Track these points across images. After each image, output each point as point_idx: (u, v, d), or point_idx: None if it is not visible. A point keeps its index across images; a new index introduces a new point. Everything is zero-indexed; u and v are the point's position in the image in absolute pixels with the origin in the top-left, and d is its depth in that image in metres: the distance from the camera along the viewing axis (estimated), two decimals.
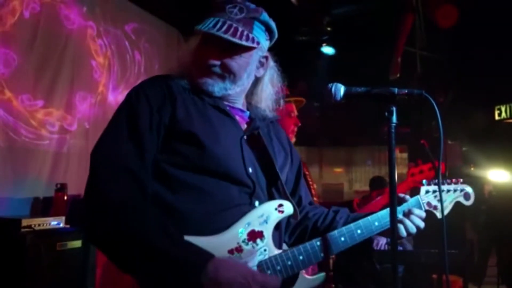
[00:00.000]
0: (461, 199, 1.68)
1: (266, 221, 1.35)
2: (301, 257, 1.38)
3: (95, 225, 1.28)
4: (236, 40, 1.38)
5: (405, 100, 1.29)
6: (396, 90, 1.27)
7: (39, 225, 2.86)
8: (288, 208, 1.41)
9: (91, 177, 1.35)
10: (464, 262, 4.90)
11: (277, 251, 1.36)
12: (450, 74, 5.69)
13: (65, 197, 3.30)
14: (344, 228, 1.48)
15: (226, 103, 1.48)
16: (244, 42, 1.39)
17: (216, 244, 1.26)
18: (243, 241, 1.30)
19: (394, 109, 1.25)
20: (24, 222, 2.78)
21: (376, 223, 1.51)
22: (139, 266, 1.22)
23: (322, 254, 1.42)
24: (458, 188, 1.69)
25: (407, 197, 1.60)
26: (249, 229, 1.32)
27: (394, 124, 1.24)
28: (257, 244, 1.32)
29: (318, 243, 1.42)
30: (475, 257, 6.00)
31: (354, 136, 6.89)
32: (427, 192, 1.63)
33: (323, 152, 8.09)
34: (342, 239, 1.46)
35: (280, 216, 1.39)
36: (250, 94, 1.57)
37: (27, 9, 3.38)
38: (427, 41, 5.10)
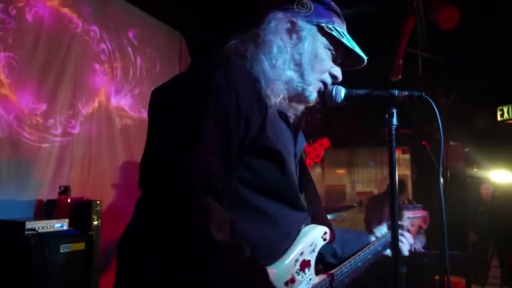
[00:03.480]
0: (422, 224, 1.87)
1: (314, 250, 1.34)
2: (334, 284, 1.39)
3: (187, 263, 1.00)
4: (365, 61, 1.38)
5: (406, 102, 1.30)
6: (396, 92, 1.27)
7: (42, 227, 2.87)
8: (329, 235, 1.40)
9: (186, 197, 1.02)
10: (467, 263, 4.90)
11: (316, 279, 1.34)
12: (452, 75, 5.69)
13: (69, 200, 3.31)
14: (361, 253, 1.52)
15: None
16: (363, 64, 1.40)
17: (274, 276, 1.19)
18: (296, 272, 1.27)
19: (394, 111, 1.25)
20: (28, 225, 2.80)
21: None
22: None
23: (346, 280, 1.44)
24: (422, 215, 1.87)
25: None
26: (302, 258, 1.29)
27: (394, 126, 1.25)
28: (305, 274, 1.29)
29: (346, 269, 1.43)
30: (478, 258, 5.98)
31: (356, 137, 6.89)
32: (408, 218, 1.81)
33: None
34: (360, 264, 1.50)
35: (323, 243, 1.38)
36: None
37: (30, 13, 3.40)
38: (429, 42, 5.11)
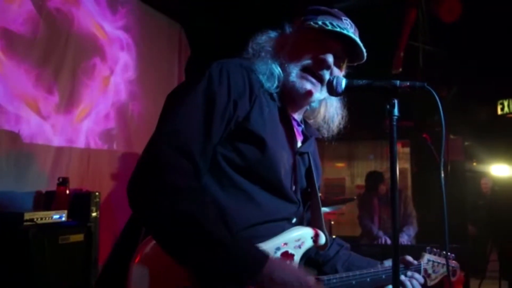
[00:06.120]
0: (450, 276, 1.75)
1: (300, 247, 1.37)
2: None
3: (152, 204, 1.15)
4: (364, 51, 1.41)
5: (407, 94, 1.28)
6: (398, 82, 1.26)
7: (41, 218, 2.87)
8: (322, 239, 1.43)
9: (155, 152, 1.19)
10: (465, 256, 4.91)
11: None
12: (452, 68, 5.66)
13: (67, 191, 3.31)
14: (358, 272, 1.49)
15: (290, 111, 1.46)
16: (364, 57, 1.43)
17: None
18: None
19: (396, 101, 1.24)
20: (27, 216, 2.80)
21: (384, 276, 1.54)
22: (193, 253, 1.12)
23: None
24: (450, 265, 1.77)
25: (415, 262, 1.66)
26: (284, 249, 1.32)
27: (395, 117, 1.23)
28: None
29: (335, 280, 1.42)
30: (477, 252, 5.99)
31: (356, 131, 6.89)
32: (428, 260, 1.71)
33: (325, 147, 8.07)
34: (353, 282, 1.46)
35: (312, 245, 1.41)
36: (310, 108, 1.56)
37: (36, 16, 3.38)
38: (430, 35, 5.08)
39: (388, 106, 1.24)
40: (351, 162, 8.37)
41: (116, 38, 4.32)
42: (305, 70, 1.40)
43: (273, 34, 1.50)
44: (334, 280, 1.41)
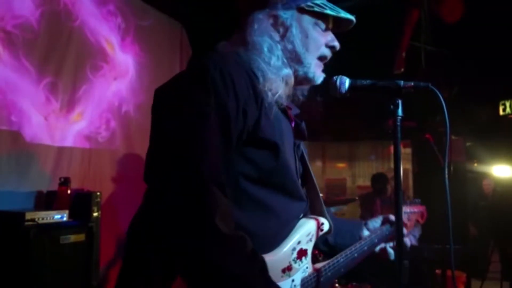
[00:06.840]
0: (419, 219, 1.91)
1: (311, 240, 1.37)
2: (329, 273, 1.41)
3: (200, 250, 1.01)
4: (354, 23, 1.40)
5: (410, 94, 1.28)
6: (402, 82, 1.26)
7: (42, 218, 2.86)
8: (326, 226, 1.43)
9: (203, 190, 1.04)
10: (467, 257, 4.90)
11: (312, 267, 1.37)
12: (454, 69, 5.65)
13: (69, 191, 3.30)
14: (358, 245, 1.56)
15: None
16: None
17: (272, 263, 1.20)
18: (293, 260, 1.30)
19: (400, 102, 1.24)
20: (28, 216, 2.79)
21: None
22: None
23: (342, 270, 1.48)
24: (419, 210, 1.92)
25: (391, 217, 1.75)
26: (299, 247, 1.32)
27: (399, 117, 1.23)
28: (302, 262, 1.32)
29: (342, 260, 1.47)
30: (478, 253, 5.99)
31: (357, 131, 6.88)
32: (404, 213, 1.83)
33: (326, 147, 8.07)
34: (356, 255, 1.53)
35: (319, 234, 1.41)
36: None
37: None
38: (432, 35, 5.07)
39: (391, 107, 1.23)
40: (352, 163, 8.38)
41: (118, 39, 4.31)
42: (319, 58, 1.37)
43: (261, 15, 1.31)
44: (342, 260, 1.47)
